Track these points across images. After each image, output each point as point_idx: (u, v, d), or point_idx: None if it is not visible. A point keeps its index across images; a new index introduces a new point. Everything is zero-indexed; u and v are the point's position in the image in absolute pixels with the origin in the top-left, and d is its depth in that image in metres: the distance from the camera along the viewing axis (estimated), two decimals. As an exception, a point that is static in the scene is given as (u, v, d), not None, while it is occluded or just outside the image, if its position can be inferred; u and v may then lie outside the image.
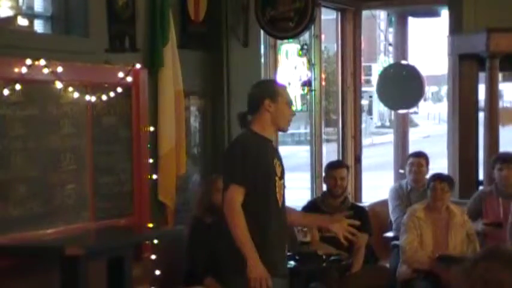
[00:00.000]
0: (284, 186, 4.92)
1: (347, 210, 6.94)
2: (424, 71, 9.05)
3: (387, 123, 33.87)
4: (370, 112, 35.80)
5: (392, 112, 11.56)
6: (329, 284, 6.45)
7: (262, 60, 7.94)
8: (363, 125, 9.92)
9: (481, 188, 8.13)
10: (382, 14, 11.23)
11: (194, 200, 6.58)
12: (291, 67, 8.13)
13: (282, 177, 4.87)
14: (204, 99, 7.15)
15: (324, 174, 7.29)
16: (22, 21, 5.51)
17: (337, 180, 6.96)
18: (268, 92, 4.87)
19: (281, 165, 4.89)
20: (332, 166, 7.17)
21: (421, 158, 7.69)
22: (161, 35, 6.34)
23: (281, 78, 7.96)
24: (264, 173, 4.75)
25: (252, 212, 4.69)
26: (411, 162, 7.68)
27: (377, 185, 11.15)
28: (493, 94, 8.27)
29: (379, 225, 7.63)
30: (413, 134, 9.90)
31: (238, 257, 4.65)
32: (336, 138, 9.34)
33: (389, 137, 17.70)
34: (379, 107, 35.21)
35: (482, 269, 2.62)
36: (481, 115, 8.62)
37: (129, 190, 6.14)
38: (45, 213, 5.45)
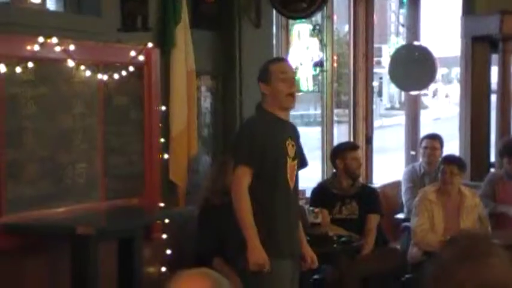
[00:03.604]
0: (297, 167, 4.90)
1: (357, 191, 6.95)
2: (435, 52, 8.98)
3: (397, 105, 33.70)
4: (380, 94, 35.62)
5: (402, 94, 11.47)
6: (339, 266, 6.45)
7: (274, 40, 7.90)
8: (374, 107, 9.84)
9: (492, 170, 8.10)
10: (393, -5, 11.13)
11: (205, 181, 6.55)
12: (303, 47, 8.07)
13: (295, 157, 4.86)
14: (216, 79, 7.11)
15: (339, 156, 6.96)
16: (34, -1, 5.50)
17: (360, 160, 7.03)
18: (260, 75, 4.90)
19: (295, 145, 4.87)
20: (353, 147, 7.17)
21: (435, 140, 7.59)
22: (173, 15, 6.30)
23: (293, 58, 7.91)
24: (273, 154, 4.75)
25: (259, 192, 4.70)
26: (425, 145, 7.59)
27: (387, 167, 11.12)
28: (506, 77, 8.24)
29: (390, 207, 7.62)
30: (423, 116, 9.84)
31: (243, 237, 4.67)
32: (346, 119, 9.31)
33: (399, 119, 17.63)
34: (389, 88, 35.06)
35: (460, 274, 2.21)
36: (494, 97, 8.59)
37: (140, 170, 6.12)
38: (56, 192, 5.45)
